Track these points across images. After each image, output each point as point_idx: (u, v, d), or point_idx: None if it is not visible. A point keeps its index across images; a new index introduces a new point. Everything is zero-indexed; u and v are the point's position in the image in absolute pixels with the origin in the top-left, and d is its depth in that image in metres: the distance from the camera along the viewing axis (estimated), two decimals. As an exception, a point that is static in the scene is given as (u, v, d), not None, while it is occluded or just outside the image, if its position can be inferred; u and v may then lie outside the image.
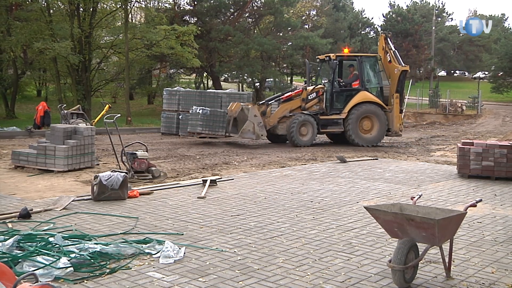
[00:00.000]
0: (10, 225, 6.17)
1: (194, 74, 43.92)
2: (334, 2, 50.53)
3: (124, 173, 7.93)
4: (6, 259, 4.53)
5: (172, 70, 40.28)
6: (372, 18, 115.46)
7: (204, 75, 42.94)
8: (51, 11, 27.56)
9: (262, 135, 16.05)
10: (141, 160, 9.87)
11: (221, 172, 10.86)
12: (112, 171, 7.99)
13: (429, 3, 68.89)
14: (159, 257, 5.03)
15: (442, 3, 78.23)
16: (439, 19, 67.34)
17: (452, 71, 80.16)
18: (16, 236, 5.15)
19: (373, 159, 13.13)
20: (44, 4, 27.00)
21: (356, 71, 17.35)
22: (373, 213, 4.64)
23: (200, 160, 12.89)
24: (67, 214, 6.79)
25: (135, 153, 9.94)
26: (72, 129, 10.96)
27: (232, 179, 9.84)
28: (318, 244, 5.68)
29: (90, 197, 7.77)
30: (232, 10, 35.98)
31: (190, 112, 16.84)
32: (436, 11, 61.27)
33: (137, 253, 5.12)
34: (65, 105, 18.05)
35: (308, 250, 5.47)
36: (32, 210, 6.76)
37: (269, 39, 32.84)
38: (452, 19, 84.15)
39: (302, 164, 12.24)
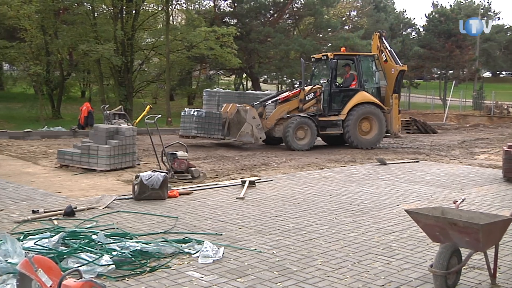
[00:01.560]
0: (55, 222, 6.36)
1: (234, 75, 44.19)
2: (375, 3, 49.93)
3: (164, 173, 8.05)
4: (53, 255, 4.66)
5: (212, 71, 40.66)
6: (414, 18, 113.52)
7: (244, 76, 43.15)
8: (96, 14, 28.27)
9: (261, 138, 15.43)
10: (181, 160, 9.99)
11: (260, 173, 10.88)
12: (152, 171, 8.12)
13: (474, 2, 67.14)
14: (198, 256, 5.07)
15: (488, 2, 76.13)
16: (485, 18, 65.50)
17: (498, 72, 77.88)
18: (61, 233, 5.29)
19: (414, 162, 12.90)
20: (89, 7, 27.71)
21: (352, 70, 16.83)
22: (414, 217, 4.56)
23: (239, 161, 12.94)
24: (109, 212, 6.95)
25: (175, 154, 10.07)
26: (114, 130, 11.20)
27: (271, 180, 9.85)
28: (357, 247, 5.62)
29: (131, 196, 7.92)
30: (272, 12, 36.03)
31: (183, 114, 16.32)
32: (482, 10, 59.66)
33: (176, 252, 5.18)
34: (108, 105, 18.41)
35: (347, 252, 5.42)
36: (76, 208, 6.94)
37: (309, 40, 32.71)
38: (499, 18, 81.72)
39: (341, 166, 12.13)
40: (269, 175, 10.59)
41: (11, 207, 7.16)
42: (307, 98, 16.27)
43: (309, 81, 17.64)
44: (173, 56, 29.73)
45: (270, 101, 16.53)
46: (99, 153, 10.66)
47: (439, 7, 55.82)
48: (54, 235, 5.23)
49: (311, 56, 18.26)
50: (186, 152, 10.37)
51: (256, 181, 9.42)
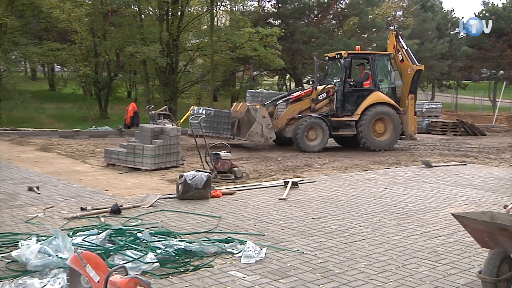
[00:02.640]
0: (102, 219, 6.53)
1: (277, 76, 44.18)
2: (421, 2, 48.83)
3: (208, 173, 8.13)
4: (100, 252, 4.78)
5: (255, 72, 40.80)
6: (463, 17, 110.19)
7: (287, 77, 43.09)
8: (142, 16, 28.87)
9: (271, 138, 15.06)
10: (224, 160, 10.07)
11: (302, 174, 10.82)
12: (196, 171, 8.22)
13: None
14: (240, 256, 5.10)
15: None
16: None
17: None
18: (108, 230, 5.43)
19: (461, 164, 12.56)
20: (136, 9, 28.32)
21: (366, 70, 16.27)
22: (461, 221, 4.43)
23: (281, 162, 12.93)
24: (153, 211, 7.07)
25: (219, 154, 10.15)
26: (159, 129, 11.39)
27: (314, 182, 9.80)
28: (402, 251, 5.52)
29: (175, 195, 8.03)
30: (316, 12, 35.82)
31: (192, 112, 15.91)
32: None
33: (219, 252, 5.21)
34: (153, 106, 18.77)
35: (391, 256, 5.33)
36: (122, 206, 7.10)
37: (353, 41, 32.36)
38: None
39: (385, 168, 11.94)
40: (312, 176, 10.53)
41: (61, 204, 7.39)
42: (319, 98, 15.86)
43: (323, 80, 17.19)
44: (217, 57, 30.01)
45: (281, 101, 16.16)
46: (144, 152, 10.86)
47: (490, 5, 54.10)
48: (101, 232, 5.37)
49: (325, 54, 17.77)
50: (229, 152, 10.44)
51: (298, 182, 9.38)
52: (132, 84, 39.05)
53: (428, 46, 37.70)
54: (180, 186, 7.93)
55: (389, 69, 16.29)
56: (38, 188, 8.27)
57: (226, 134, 15.37)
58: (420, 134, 22.39)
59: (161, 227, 6.18)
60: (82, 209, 6.96)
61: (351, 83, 16.13)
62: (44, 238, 5.26)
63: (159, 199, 7.62)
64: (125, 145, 11.43)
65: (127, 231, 5.59)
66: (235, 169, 10.10)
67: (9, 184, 8.76)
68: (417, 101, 18.11)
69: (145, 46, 25.66)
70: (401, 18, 44.28)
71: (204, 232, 6.06)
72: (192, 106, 18.59)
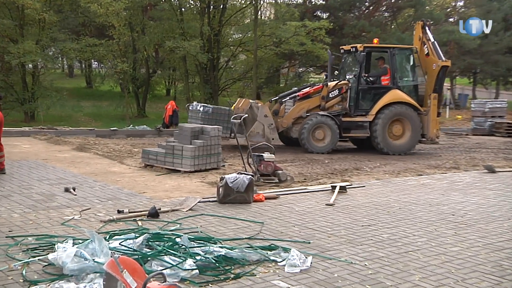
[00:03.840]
0: (140, 223, 6.66)
1: (324, 73, 43.93)
2: (485, -9, 47.53)
3: (250, 176, 8.16)
4: (137, 257, 4.87)
5: (301, 69, 40.68)
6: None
7: (335, 73, 42.76)
8: (183, 10, 29.25)
9: (273, 138, 14.72)
10: (268, 162, 10.08)
11: (351, 178, 10.75)
12: (238, 173, 8.26)
13: None
14: (284, 265, 5.09)
15: None
16: None
17: None
18: (145, 234, 5.52)
19: (529, 170, 12.16)
20: (176, 2, 28.72)
21: (386, 64, 15.67)
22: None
23: (329, 165, 12.86)
24: (193, 215, 7.16)
25: (262, 155, 10.18)
26: (199, 129, 11.52)
27: (364, 186, 9.71)
28: (461, 263, 5.39)
29: (215, 199, 8.10)
30: (367, 4, 35.42)
31: (190, 108, 15.78)
32: None
33: (262, 259, 5.23)
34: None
35: (448, 269, 5.21)
36: (160, 209, 7.22)
37: (408, 34, 31.79)
38: None
39: (442, 173, 11.69)
40: (361, 181, 10.44)
41: (98, 206, 7.58)
42: (330, 95, 15.52)
43: (336, 75, 16.83)
44: (260, 52, 30.12)
45: (288, 98, 15.87)
46: (184, 153, 11.00)
47: None
48: (139, 236, 5.47)
49: (341, 47, 17.26)
50: (273, 154, 10.45)
51: (347, 186, 9.30)
52: (171, 81, 39.61)
53: (493, 40, 36.54)
54: (220, 189, 7.99)
55: (411, 64, 15.78)
56: (74, 189, 8.50)
57: (225, 133, 15.11)
58: (482, 136, 21.86)
59: (201, 232, 6.24)
60: (119, 211, 7.11)
61: (367, 79, 15.77)
62: (80, 241, 5.41)
63: (198, 202, 7.70)
64: (163, 145, 11.62)
65: (165, 236, 5.68)
66: (279, 171, 10.10)
67: (46, 185, 9.05)
68: (479, 100, 17.53)
69: (185, 41, 26.00)
70: (462, 9, 43.24)
71: (246, 238, 6.09)
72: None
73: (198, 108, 15.36)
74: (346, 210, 7.76)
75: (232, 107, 15.77)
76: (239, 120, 10.45)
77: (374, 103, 15.44)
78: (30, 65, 27.17)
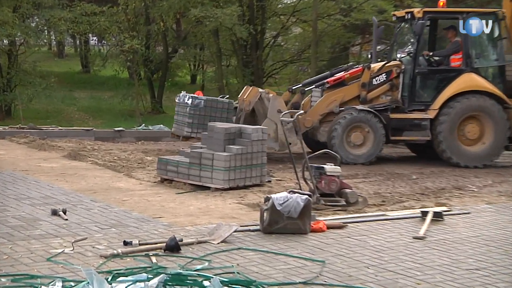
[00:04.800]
0: (154, 259, 6.72)
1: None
2: None
3: (306, 196, 8.15)
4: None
5: (379, 46, 40.30)
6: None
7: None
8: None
9: (290, 143, 13.42)
10: (331, 177, 10.03)
11: (450, 202, 10.62)
12: (289, 192, 8.25)
13: None
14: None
15: None
16: None
17: None
18: (162, 275, 5.55)
19: None
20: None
21: (458, 37, 15.26)
22: None
23: (417, 182, 12.75)
24: (227, 249, 7.19)
25: (323, 168, 10.14)
26: (237, 130, 11.55)
27: (469, 213, 9.59)
28: None
29: (258, 227, 8.11)
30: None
31: (177, 101, 15.91)
32: None
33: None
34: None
35: None
36: (182, 240, 7.27)
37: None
38: None
39: None
40: (465, 205, 10.29)
41: (97, 235, 7.70)
42: (374, 82, 15.30)
43: (386, 54, 16.57)
44: (322, 24, 29.99)
45: (313, 86, 15.72)
46: (215, 163, 11.04)
47: None
48: (153, 278, 5.52)
49: (392, 13, 17.06)
50: (339, 165, 10.40)
51: (444, 213, 9.18)
52: (198, 64, 39.81)
53: None
54: (265, 214, 8.00)
55: (493, 37, 15.35)
56: (65, 212, 8.65)
57: None
58: None
59: (238, 273, 6.26)
60: (125, 243, 7.20)
61: (429, 58, 15.46)
62: (72, 283, 5.50)
63: (234, 232, 7.72)
64: (187, 152, 11.70)
65: (189, 278, 5.71)
66: (347, 190, 10.04)
67: (26, 206, 9.24)
68: None
69: (218, 8, 26.06)
70: None
71: (300, 282, 6.07)
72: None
73: (186, 101, 15.44)
74: (443, 246, 7.66)
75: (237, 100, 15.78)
76: (292, 119, 10.43)
77: (438, 93, 15.14)
78: (5, 41, 27.71)
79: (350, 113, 14.84)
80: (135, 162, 13.93)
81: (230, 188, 10.99)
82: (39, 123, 20.82)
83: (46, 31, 34.02)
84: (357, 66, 16.37)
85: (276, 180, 12.21)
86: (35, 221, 8.31)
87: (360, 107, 14.95)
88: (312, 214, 8.35)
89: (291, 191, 8.48)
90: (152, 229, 8.08)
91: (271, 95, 14.85)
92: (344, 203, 9.90)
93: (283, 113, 11.37)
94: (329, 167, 10.17)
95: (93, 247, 7.12)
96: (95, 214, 8.82)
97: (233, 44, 29.57)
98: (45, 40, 36.43)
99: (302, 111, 13.12)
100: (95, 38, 42.24)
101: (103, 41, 41.15)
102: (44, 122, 22.83)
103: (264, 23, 29.41)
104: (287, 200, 7.98)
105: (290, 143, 13.77)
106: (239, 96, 15.69)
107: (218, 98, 16.07)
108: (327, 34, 31.61)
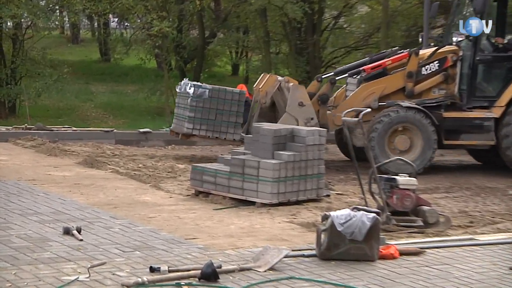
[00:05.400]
0: (186, 289, 6.76)
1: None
2: None
3: (374, 214, 8.10)
4: None
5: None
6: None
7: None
8: None
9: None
10: (405, 192, 9.97)
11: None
12: (353, 209, 8.22)
13: None
14: None
15: None
16: None
17: None
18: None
19: None
20: None
21: None
22: None
23: (515, 198, 12.64)
24: (275, 279, 7.19)
25: (395, 179, 10.08)
26: (288, 133, 11.54)
27: None
28: None
29: (313, 252, 8.09)
30: None
31: (178, 91, 16.12)
32: None
33: None
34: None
35: None
36: (220, 267, 7.28)
37: None
38: None
39: None
40: None
41: (118, 259, 7.75)
42: (423, 72, 15.29)
43: (441, 37, 16.53)
44: (395, 1, 29.80)
45: (346, 74, 15.75)
46: (261, 173, 11.05)
47: None
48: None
49: None
50: (414, 176, 10.32)
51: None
52: (241, 51, 39.89)
53: None
54: (323, 236, 7.97)
55: None
56: (79, 231, 8.74)
57: (234, 134, 15.27)
58: None
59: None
60: (152, 270, 7.23)
61: (496, 43, 15.41)
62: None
63: (284, 257, 7.72)
64: (227, 159, 11.74)
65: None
66: (425, 208, 9.97)
67: (33, 223, 9.35)
68: None
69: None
70: None
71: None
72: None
73: (187, 90, 15.50)
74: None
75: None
76: (357, 119, 10.38)
77: (505, 86, 15.12)
78: (9, 23, 28.03)
79: (394, 111, 14.78)
80: (164, 170, 14.03)
81: (280, 204, 11.02)
82: (48, 123, 20.98)
83: (57, 11, 34.36)
84: (402, 51, 16.26)
85: (336, 194, 12.19)
86: (43, 241, 8.40)
87: (406, 103, 14.89)
88: (381, 236, 8.31)
89: (355, 208, 8.44)
90: (184, 253, 8.10)
91: (291, 84, 14.88)
92: (421, 223, 9.84)
93: (347, 111, 11.25)
94: (402, 179, 10.09)
95: (113, 274, 7.16)
96: (116, 234, 8.88)
97: (284, 27, 29.58)
98: (56, 22, 36.55)
99: (368, 109, 13.04)
100: (116, 19, 42.49)
101: (126, 24, 41.39)
102: (55, 121, 23.06)
103: (322, 1, 29.36)
104: (350, 219, 7.95)
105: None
106: (254, 85, 15.79)
107: (228, 88, 16.18)
108: (401, 14, 31.42)
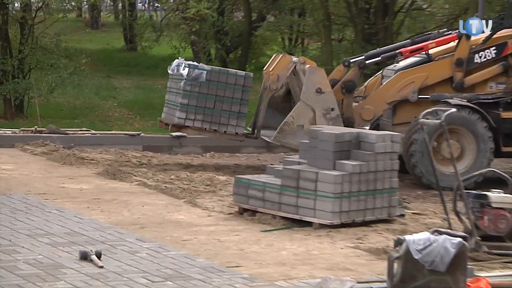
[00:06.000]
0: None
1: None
2: None
3: (460, 239, 8.05)
4: None
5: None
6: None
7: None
8: None
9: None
10: (499, 211, 9.89)
11: None
12: (433, 233, 8.18)
13: None
14: None
15: None
16: None
17: None
18: None
19: None
20: None
21: None
22: None
23: None
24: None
25: (486, 196, 10.01)
26: (353, 137, 11.51)
27: None
28: None
29: (384, 285, 8.06)
30: None
31: (169, 71, 16.01)
32: None
33: None
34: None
35: None
36: (269, 302, 7.31)
37: None
38: None
39: None
40: None
41: (149, 290, 7.82)
42: (477, 60, 15.24)
43: (501, 17, 16.28)
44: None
45: (379, 58, 15.75)
46: (320, 187, 11.02)
47: None
48: None
49: None
50: (511, 192, 10.23)
51: None
52: (296, 38, 39.96)
53: None
54: (396, 266, 7.95)
55: None
56: (99, 256, 8.79)
57: (236, 126, 15.25)
58: None
59: None
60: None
61: None
62: None
63: (350, 291, 7.72)
64: (278, 169, 11.74)
65: None
66: (524, 231, 9.90)
67: (44, 245, 9.43)
68: None
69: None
70: None
71: None
72: None
73: (180, 71, 15.43)
74: None
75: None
76: (439, 121, 10.34)
77: None
78: (17, 4, 28.33)
79: (442, 109, 14.36)
80: (202, 183, 14.07)
81: (342, 225, 11.00)
82: (63, 125, 21.21)
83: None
84: (450, 32, 16.30)
85: (413, 213, 12.14)
86: (56, 268, 8.46)
87: (456, 100, 14.75)
88: (469, 267, 8.24)
89: (436, 231, 8.39)
90: (225, 284, 8.12)
91: (307, 66, 14.83)
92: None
93: (426, 111, 11.21)
94: (495, 196, 10.02)
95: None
96: (143, 260, 8.93)
97: (349, 8, 29.63)
98: (72, 3, 36.98)
99: (453, 110, 12.99)
100: (143, 0, 42.81)
101: (156, 5, 41.69)
102: (71, 123, 23.29)
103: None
104: (429, 245, 7.91)
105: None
106: (264, 69, 15.77)
107: (231, 70, 16.36)
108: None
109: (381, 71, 15.95)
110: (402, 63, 15.62)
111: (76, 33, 39.91)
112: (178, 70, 15.57)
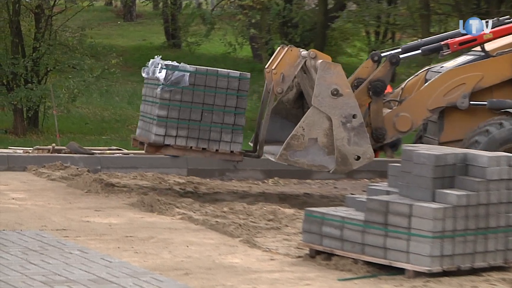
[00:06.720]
0: None
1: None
2: None
3: None
4: None
5: None
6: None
7: None
8: None
9: (357, 158, 13.79)
10: None
11: None
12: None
13: None
14: None
15: None
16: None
17: None
18: None
19: None
20: None
21: None
22: None
23: None
24: None
25: None
26: (459, 160, 11.44)
27: None
28: None
29: None
30: None
31: (144, 75, 16.21)
32: None
33: None
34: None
35: None
36: None
37: None
38: None
39: None
40: None
41: None
42: None
43: None
44: None
45: (418, 51, 15.62)
46: (415, 224, 10.98)
47: None
48: None
49: None
50: None
51: None
52: (384, 32, 40.07)
53: None
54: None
55: None
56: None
57: (232, 143, 15.14)
58: None
59: None
60: None
61: None
62: None
63: None
64: (360, 200, 11.72)
65: None
66: None
67: (62, 297, 9.49)
68: None
69: None
70: None
71: None
72: None
73: (156, 74, 15.45)
74: None
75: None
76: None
77: None
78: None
79: (506, 121, 14.60)
80: (263, 218, 14.09)
81: (444, 273, 10.91)
82: (86, 143, 21.34)
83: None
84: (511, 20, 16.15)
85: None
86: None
87: None
88: None
89: None
90: None
91: (319, 61, 14.81)
92: None
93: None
94: None
95: None
96: (188, 317, 8.95)
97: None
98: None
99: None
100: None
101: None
102: (97, 140, 23.40)
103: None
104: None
105: (360, 157, 13.92)
106: (266, 67, 15.87)
107: (220, 70, 16.36)
108: None
109: (424, 69, 15.94)
110: (451, 64, 15.57)
111: (105, 26, 40.30)
112: (154, 73, 15.63)
